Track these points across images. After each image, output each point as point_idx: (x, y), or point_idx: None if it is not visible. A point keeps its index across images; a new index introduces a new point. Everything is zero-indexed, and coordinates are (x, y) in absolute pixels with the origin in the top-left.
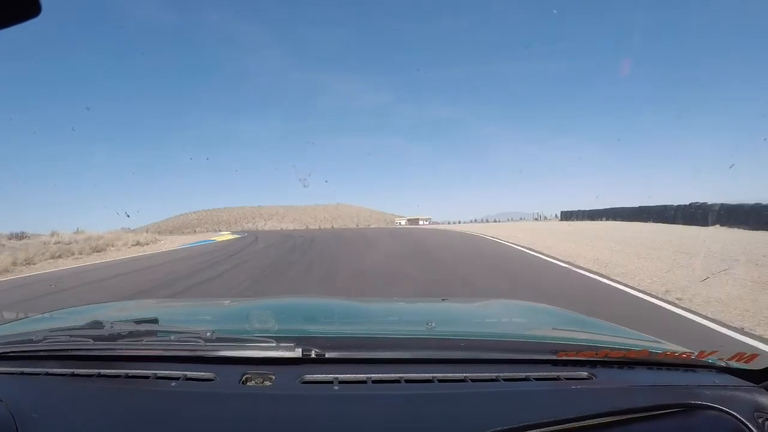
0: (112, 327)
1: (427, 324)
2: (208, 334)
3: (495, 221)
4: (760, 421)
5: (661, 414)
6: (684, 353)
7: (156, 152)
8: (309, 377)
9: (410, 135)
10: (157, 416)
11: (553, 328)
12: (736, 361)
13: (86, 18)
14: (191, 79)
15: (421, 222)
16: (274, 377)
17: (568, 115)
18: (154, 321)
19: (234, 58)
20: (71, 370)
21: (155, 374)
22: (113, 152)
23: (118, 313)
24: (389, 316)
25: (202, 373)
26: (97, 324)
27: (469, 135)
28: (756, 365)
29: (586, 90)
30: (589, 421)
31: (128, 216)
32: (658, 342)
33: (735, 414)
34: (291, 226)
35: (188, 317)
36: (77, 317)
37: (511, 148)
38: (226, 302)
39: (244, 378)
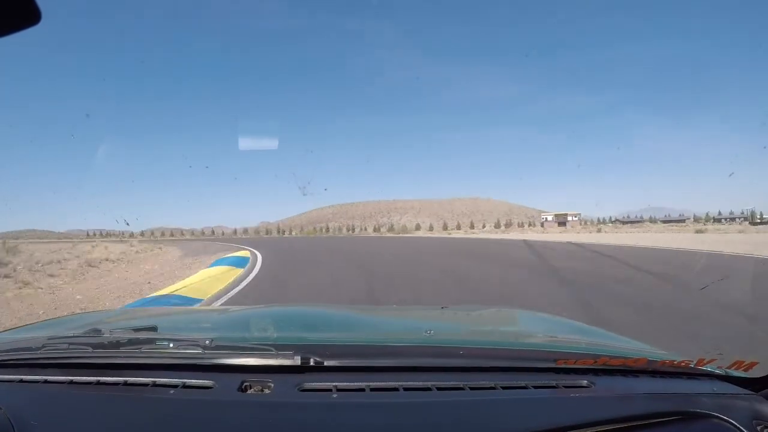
0: (111, 335)
1: (426, 332)
2: (207, 341)
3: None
4: (759, 429)
5: (659, 422)
6: (682, 361)
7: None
8: (308, 385)
9: (546, 126)
10: (156, 424)
11: (551, 336)
12: (735, 368)
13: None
14: (322, 76)
15: (569, 218)
16: (272, 385)
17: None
18: (153, 329)
19: (365, 54)
20: (70, 378)
21: (154, 382)
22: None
23: (117, 320)
24: (388, 324)
25: (201, 381)
26: (96, 332)
27: (609, 125)
28: (755, 373)
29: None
30: (587, 429)
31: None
32: (657, 350)
33: (733, 422)
34: (426, 222)
35: (187, 325)
36: (76, 325)
37: (655, 139)
38: (226, 310)
39: (242, 386)
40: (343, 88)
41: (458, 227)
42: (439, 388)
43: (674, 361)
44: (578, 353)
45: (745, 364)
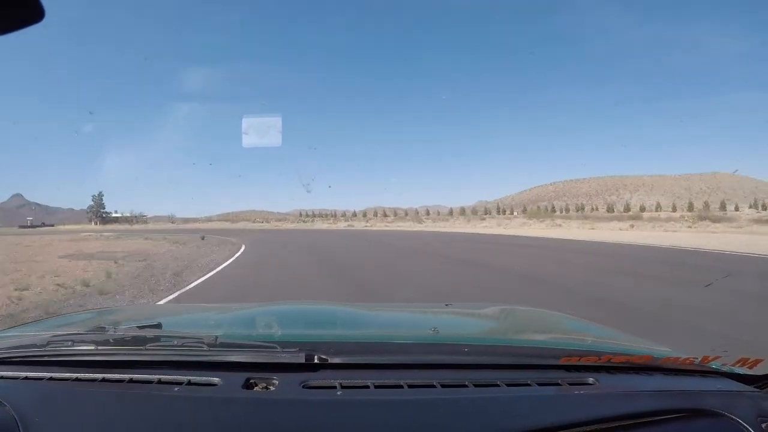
0: (115, 332)
1: (430, 329)
2: (212, 339)
3: None
4: (763, 426)
5: (664, 419)
6: (687, 359)
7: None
8: (312, 382)
9: None
10: (161, 421)
11: (555, 334)
12: (740, 366)
13: None
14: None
15: None
16: (277, 382)
17: None
18: (158, 326)
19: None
20: (75, 375)
21: (159, 379)
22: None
23: (121, 318)
24: (393, 321)
25: (206, 378)
26: (101, 329)
27: None
28: (759, 370)
29: None
30: (591, 426)
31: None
32: (661, 347)
33: (738, 419)
34: (663, 201)
35: (192, 322)
36: (81, 322)
37: None
38: (231, 307)
39: (247, 383)
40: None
41: (705, 206)
42: (443, 385)
43: (679, 358)
44: (582, 351)
45: (750, 361)
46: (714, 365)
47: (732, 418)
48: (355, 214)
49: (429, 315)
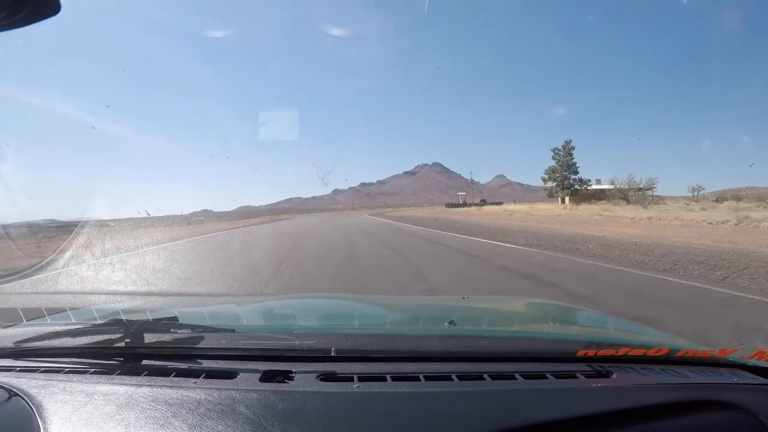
0: (132, 325)
1: (446, 321)
2: (229, 332)
3: None
4: None
5: (680, 412)
6: (704, 351)
7: None
8: (329, 374)
9: None
10: (177, 414)
11: (573, 327)
12: (757, 359)
13: None
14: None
15: None
16: (294, 374)
17: None
18: (174, 319)
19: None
20: (92, 368)
21: (175, 372)
22: None
23: (139, 311)
24: (409, 313)
25: (223, 371)
26: (119, 322)
27: None
28: None
29: None
30: (607, 418)
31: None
32: (678, 340)
33: (755, 412)
34: None
35: (209, 315)
36: (99, 315)
37: None
38: (248, 300)
39: (265, 375)
40: None
41: None
42: (460, 378)
43: (696, 351)
44: (599, 343)
45: (767, 354)
46: (731, 358)
47: (748, 411)
48: None
49: (446, 308)
